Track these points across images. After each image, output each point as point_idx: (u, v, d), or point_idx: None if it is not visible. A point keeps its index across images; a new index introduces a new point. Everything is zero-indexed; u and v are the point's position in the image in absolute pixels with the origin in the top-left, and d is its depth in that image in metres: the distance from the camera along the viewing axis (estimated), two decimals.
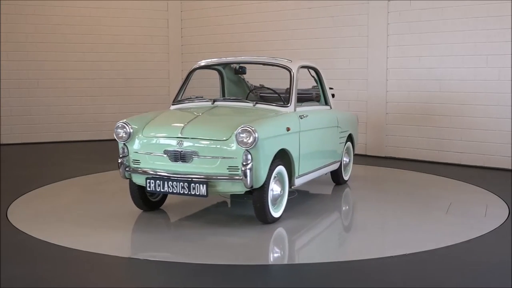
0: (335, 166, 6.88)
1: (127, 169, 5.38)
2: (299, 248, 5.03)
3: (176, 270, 4.27)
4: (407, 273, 4.29)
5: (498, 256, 4.64)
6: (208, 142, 5.10)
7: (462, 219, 5.75)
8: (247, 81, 7.25)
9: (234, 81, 7.10)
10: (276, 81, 6.97)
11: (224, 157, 5.04)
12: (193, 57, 11.83)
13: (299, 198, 6.62)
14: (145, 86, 11.99)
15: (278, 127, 5.42)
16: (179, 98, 6.31)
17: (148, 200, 5.81)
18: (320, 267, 4.38)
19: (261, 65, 6.34)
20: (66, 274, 4.24)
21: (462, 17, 8.62)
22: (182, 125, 5.27)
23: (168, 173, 5.15)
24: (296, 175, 5.73)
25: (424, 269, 4.31)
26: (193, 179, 5.04)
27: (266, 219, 5.29)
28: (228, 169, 5.03)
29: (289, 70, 6.06)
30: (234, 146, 5.01)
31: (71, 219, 5.62)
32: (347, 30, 9.83)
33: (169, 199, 6.12)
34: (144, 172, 5.28)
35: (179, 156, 5.14)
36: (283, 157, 5.48)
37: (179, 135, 5.18)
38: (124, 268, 4.43)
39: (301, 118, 5.85)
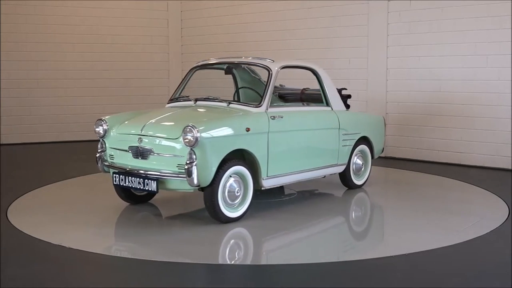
0: (336, 169, 6.67)
1: (105, 163, 5.69)
2: (273, 249, 5.03)
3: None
4: (407, 273, 4.29)
5: (498, 256, 4.64)
6: (162, 140, 5.30)
7: (462, 219, 5.75)
8: (264, 81, 7.16)
9: (249, 81, 7.09)
10: (295, 81, 7.12)
11: (174, 155, 5.19)
12: (193, 57, 11.79)
13: (297, 199, 6.60)
14: (144, 86, 11.99)
15: (231, 127, 5.39)
16: (174, 97, 6.46)
17: (132, 194, 5.99)
18: (318, 267, 4.39)
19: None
20: (66, 274, 4.24)
21: (462, 17, 8.62)
22: (145, 123, 5.48)
23: (131, 168, 5.41)
24: (264, 176, 5.66)
25: (424, 269, 4.32)
26: (147, 175, 5.25)
27: (218, 218, 5.33)
28: (177, 167, 5.16)
29: (268, 70, 6.01)
30: (182, 144, 5.12)
31: (71, 219, 5.62)
32: (347, 30, 9.83)
33: (174, 194, 6.14)
34: (114, 167, 5.58)
35: (139, 153, 5.39)
36: (246, 157, 5.53)
37: (140, 133, 5.41)
38: (124, 268, 4.43)
39: (273, 119, 5.73)
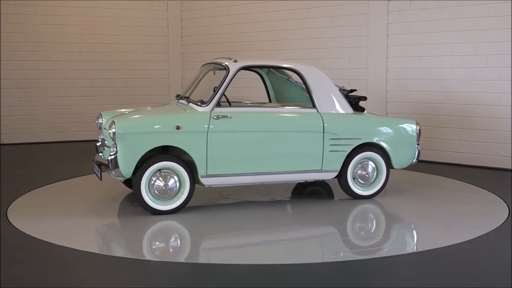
0: (321, 176, 6.26)
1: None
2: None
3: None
4: (407, 273, 4.29)
5: (498, 256, 4.64)
6: (106, 133, 5.82)
7: (461, 219, 5.75)
8: (295, 82, 6.97)
9: (279, 83, 7.13)
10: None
11: (110, 147, 5.69)
12: (193, 57, 11.83)
13: (291, 201, 6.59)
14: (145, 86, 11.98)
15: (156, 124, 5.67)
16: (183, 94, 6.58)
17: (130, 181, 6.18)
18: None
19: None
20: (66, 274, 4.24)
21: (462, 17, 8.62)
22: (112, 117, 5.92)
23: (101, 158, 6.02)
24: (203, 174, 5.74)
25: (424, 269, 4.32)
26: (100, 164, 5.84)
27: (145, 208, 5.64)
28: None
29: (226, 69, 5.99)
30: None
31: (71, 219, 5.62)
32: (347, 30, 9.83)
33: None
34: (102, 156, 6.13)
35: (102, 144, 6.07)
36: (183, 154, 5.68)
37: (104, 127, 6.08)
38: (124, 268, 4.43)
39: (217, 118, 5.73)
